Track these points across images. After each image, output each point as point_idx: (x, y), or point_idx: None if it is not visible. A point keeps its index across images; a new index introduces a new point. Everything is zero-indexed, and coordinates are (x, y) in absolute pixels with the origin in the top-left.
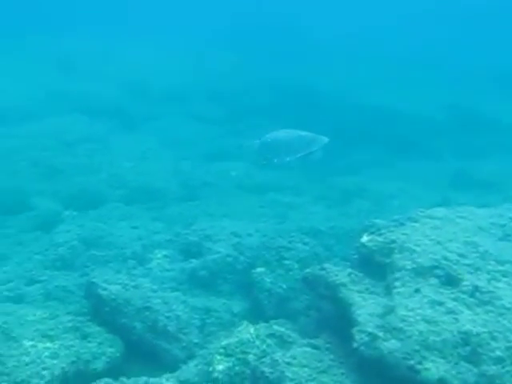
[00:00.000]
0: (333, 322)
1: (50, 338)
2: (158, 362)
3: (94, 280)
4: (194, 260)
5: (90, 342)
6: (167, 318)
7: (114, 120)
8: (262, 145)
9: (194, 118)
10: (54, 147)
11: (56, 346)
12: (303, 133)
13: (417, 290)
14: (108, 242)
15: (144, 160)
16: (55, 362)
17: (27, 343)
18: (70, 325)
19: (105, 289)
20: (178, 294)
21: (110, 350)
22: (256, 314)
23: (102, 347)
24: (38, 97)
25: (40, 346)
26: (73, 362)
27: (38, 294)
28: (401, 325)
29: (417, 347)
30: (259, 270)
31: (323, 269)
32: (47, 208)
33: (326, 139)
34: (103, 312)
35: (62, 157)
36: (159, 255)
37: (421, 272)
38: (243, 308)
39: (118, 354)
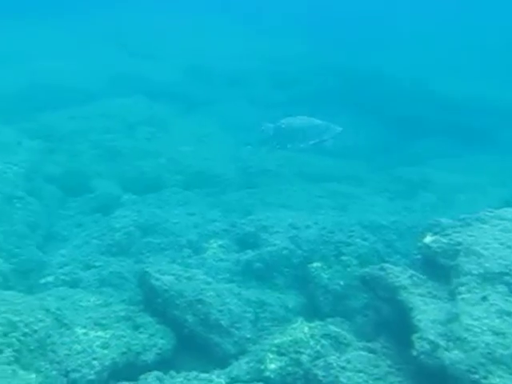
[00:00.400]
0: (391, 325)
1: (102, 327)
2: (209, 357)
3: (147, 269)
4: (249, 251)
5: (141, 332)
6: (220, 311)
7: (175, 103)
8: (277, 130)
9: (256, 103)
10: (114, 129)
11: (107, 336)
12: (317, 121)
13: (484, 298)
14: (164, 228)
15: (203, 145)
16: (106, 352)
17: (79, 331)
18: (122, 314)
19: (158, 279)
20: (232, 286)
21: (161, 341)
22: (311, 311)
23: (153, 339)
24: (101, 78)
25: (92, 334)
26: (123, 353)
27: (93, 279)
28: (465, 335)
29: (482, 360)
30: (316, 264)
31: (383, 269)
32: (107, 191)
33: (339, 129)
34: (155, 303)
35: (123, 139)
36: (214, 245)
37: (488, 278)
38: (298, 303)
39: (168, 347)
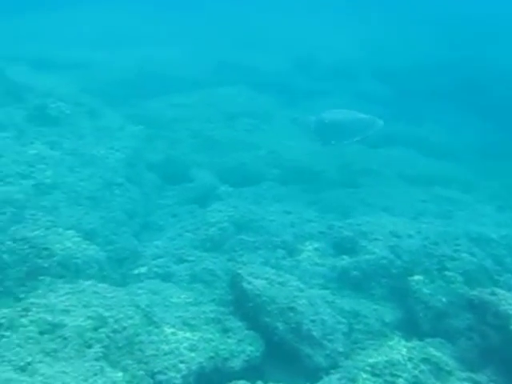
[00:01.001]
0: (501, 355)
1: (191, 328)
2: (298, 368)
3: (239, 272)
4: (346, 257)
5: (230, 337)
6: (312, 321)
7: (277, 94)
8: (319, 124)
9: (359, 96)
10: (216, 119)
11: (195, 338)
12: (360, 115)
13: None
14: (259, 226)
15: (305, 139)
16: (193, 355)
17: (168, 330)
18: (211, 315)
19: (250, 283)
20: (326, 293)
21: (250, 348)
22: (409, 327)
23: (241, 345)
24: (205, 67)
25: (180, 334)
26: (211, 358)
27: (185, 274)
28: None
29: None
30: (417, 277)
31: (494, 294)
32: (204, 181)
33: (381, 123)
34: (246, 307)
35: (223, 130)
36: (310, 247)
37: None
38: (395, 317)
39: (257, 354)
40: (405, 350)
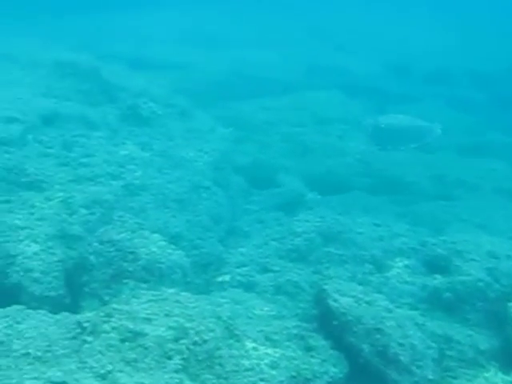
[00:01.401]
0: None
1: (273, 343)
2: None
3: (325, 287)
4: (438, 276)
5: (313, 356)
6: (400, 345)
7: (369, 99)
8: (375, 128)
9: (452, 102)
10: (306, 123)
11: (277, 355)
12: (418, 121)
13: None
14: (347, 238)
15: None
16: (274, 373)
17: (249, 344)
18: (294, 331)
19: (336, 300)
20: (415, 314)
21: (333, 369)
22: (507, 358)
23: (325, 365)
24: (297, 70)
25: (261, 350)
26: (292, 377)
27: (269, 285)
28: None
29: None
30: None
31: None
32: (292, 187)
33: (439, 131)
34: (331, 325)
35: (314, 134)
36: (400, 264)
37: None
38: (492, 346)
39: (340, 375)
40: None
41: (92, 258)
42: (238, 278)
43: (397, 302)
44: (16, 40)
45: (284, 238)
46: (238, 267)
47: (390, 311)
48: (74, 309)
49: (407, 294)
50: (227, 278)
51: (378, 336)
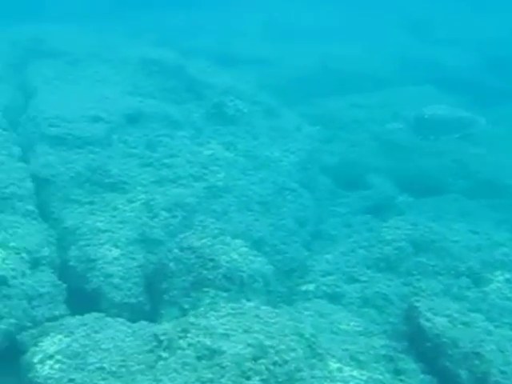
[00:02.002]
0: None
1: (359, 364)
2: None
3: (417, 305)
4: None
5: (402, 381)
6: (502, 372)
7: (466, 95)
8: (418, 119)
9: None
10: (398, 121)
11: (364, 378)
12: (461, 112)
13: None
14: (441, 247)
15: (498, 147)
16: None
17: (333, 365)
18: (383, 352)
19: (428, 320)
20: None
21: None
22: None
23: None
24: (389, 64)
25: (347, 371)
26: None
27: (355, 296)
28: None
29: None
30: None
31: None
32: (382, 189)
33: (483, 121)
34: (423, 346)
35: (406, 133)
36: (501, 278)
37: None
38: None
39: None
40: None
41: (172, 264)
42: (323, 287)
43: (497, 321)
44: (100, 37)
45: (372, 246)
46: (323, 276)
47: (489, 333)
48: (154, 316)
49: (509, 312)
50: (311, 287)
51: (477, 361)
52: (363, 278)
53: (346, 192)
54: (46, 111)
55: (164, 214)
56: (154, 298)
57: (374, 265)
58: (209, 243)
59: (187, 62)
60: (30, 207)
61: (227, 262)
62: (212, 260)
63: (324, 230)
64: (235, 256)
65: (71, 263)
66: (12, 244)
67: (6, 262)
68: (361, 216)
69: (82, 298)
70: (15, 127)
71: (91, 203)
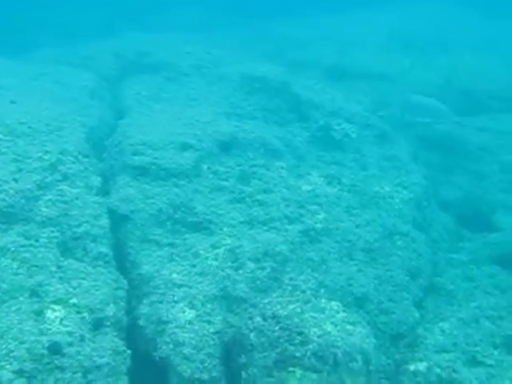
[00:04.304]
0: None
1: None
2: None
3: None
4: None
5: None
6: None
7: None
8: (405, 102)
9: None
10: None
11: None
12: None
13: None
14: None
15: None
16: None
17: None
18: None
19: None
20: None
21: None
22: None
23: None
24: None
25: None
26: None
27: None
28: None
29: None
30: None
31: None
32: None
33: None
34: None
35: None
36: None
37: None
38: None
39: None
40: None
41: (252, 336)
42: (437, 369)
43: None
44: (206, 49)
45: (502, 319)
46: (437, 352)
47: None
48: None
49: None
50: (422, 367)
51: None
52: (488, 361)
53: (470, 234)
54: (133, 136)
55: (251, 264)
56: (230, 373)
57: (503, 344)
58: (298, 310)
59: (293, 78)
60: (104, 249)
61: (319, 337)
62: (300, 333)
63: (440, 284)
64: (329, 328)
65: (140, 322)
66: (73, 301)
67: (64, 323)
68: (486, 267)
69: (149, 368)
70: (101, 151)
71: (171, 245)
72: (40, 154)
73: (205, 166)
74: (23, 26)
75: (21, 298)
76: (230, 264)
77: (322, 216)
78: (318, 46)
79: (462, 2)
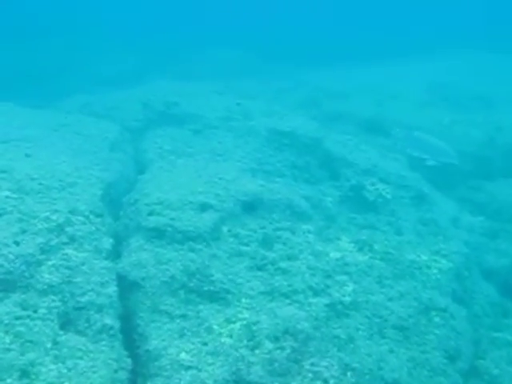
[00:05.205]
0: None
1: None
2: None
3: None
4: None
5: None
6: None
7: None
8: (407, 136)
9: None
10: None
11: None
12: (444, 146)
13: None
14: None
15: None
16: None
17: None
18: None
19: None
20: None
21: None
22: None
23: None
24: None
25: None
26: None
27: None
28: None
29: None
30: None
31: None
32: None
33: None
34: None
35: None
36: None
37: None
38: None
39: None
40: None
41: None
42: None
43: None
44: (235, 99)
45: None
46: None
47: None
48: None
49: None
50: None
51: None
52: None
53: None
54: (150, 195)
55: (268, 344)
56: None
57: None
58: None
59: (325, 132)
60: (109, 321)
61: None
62: None
63: (482, 367)
64: None
65: None
66: None
67: None
68: None
69: None
70: (118, 209)
71: (184, 317)
72: (47, 214)
73: (225, 229)
74: (58, 72)
75: (8, 380)
76: (245, 342)
77: (350, 288)
78: (354, 98)
79: (502, 53)
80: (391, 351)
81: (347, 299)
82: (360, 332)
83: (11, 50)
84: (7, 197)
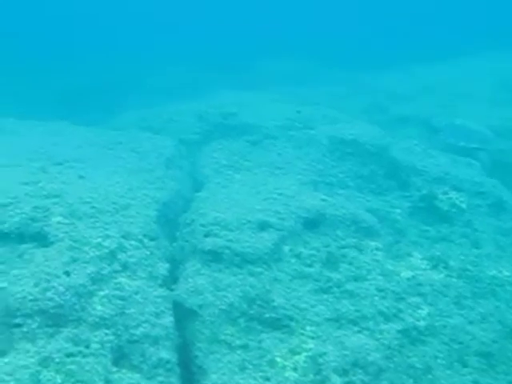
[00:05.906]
0: None
1: None
2: None
3: None
4: None
5: None
6: None
7: None
8: (449, 124)
9: None
10: None
11: None
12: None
13: None
14: None
15: None
16: None
17: None
18: None
19: None
20: None
21: None
22: None
23: None
24: None
25: None
26: None
27: None
28: None
29: None
30: None
31: None
32: None
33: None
34: None
35: None
36: None
37: None
38: None
39: None
40: None
41: None
42: None
43: None
44: (295, 107)
45: None
46: None
47: None
48: None
49: None
50: None
51: None
52: None
53: None
54: (206, 214)
55: (336, 379)
56: None
57: None
58: None
59: (390, 139)
60: (165, 354)
61: None
62: None
63: None
64: None
65: None
66: None
67: None
68: None
69: None
70: (175, 229)
71: (244, 348)
72: (99, 240)
73: (286, 248)
74: (113, 87)
75: None
76: (311, 377)
77: (425, 311)
78: (420, 100)
79: None
80: (475, 382)
81: (422, 324)
82: (438, 360)
83: (66, 68)
84: (59, 222)
